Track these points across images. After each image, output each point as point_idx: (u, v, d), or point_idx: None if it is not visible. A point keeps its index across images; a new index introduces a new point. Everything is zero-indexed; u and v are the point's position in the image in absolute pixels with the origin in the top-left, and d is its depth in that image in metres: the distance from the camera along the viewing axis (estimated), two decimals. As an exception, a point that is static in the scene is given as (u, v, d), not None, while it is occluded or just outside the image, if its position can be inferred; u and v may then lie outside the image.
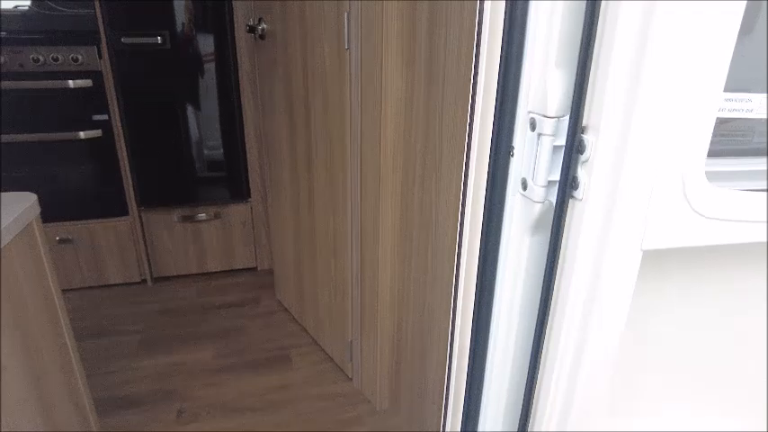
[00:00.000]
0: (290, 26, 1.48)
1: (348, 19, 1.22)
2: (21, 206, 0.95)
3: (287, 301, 2.03)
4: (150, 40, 1.87)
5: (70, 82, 1.85)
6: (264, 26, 1.62)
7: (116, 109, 1.94)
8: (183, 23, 1.90)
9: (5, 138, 1.88)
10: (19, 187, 2.01)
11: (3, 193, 1.01)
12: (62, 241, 2.07)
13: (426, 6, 0.99)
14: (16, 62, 1.82)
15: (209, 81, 1.99)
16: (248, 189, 2.18)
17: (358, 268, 1.45)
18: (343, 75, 1.29)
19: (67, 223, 2.06)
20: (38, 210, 1.01)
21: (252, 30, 1.62)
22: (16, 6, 2.26)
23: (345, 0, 1.21)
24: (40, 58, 1.82)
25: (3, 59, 1.80)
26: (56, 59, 1.83)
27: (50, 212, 2.03)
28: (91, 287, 2.17)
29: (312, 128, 1.50)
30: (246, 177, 2.16)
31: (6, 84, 1.82)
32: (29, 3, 2.22)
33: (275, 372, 1.71)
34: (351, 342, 1.58)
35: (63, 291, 2.11)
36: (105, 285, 2.18)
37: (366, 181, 1.32)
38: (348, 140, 1.34)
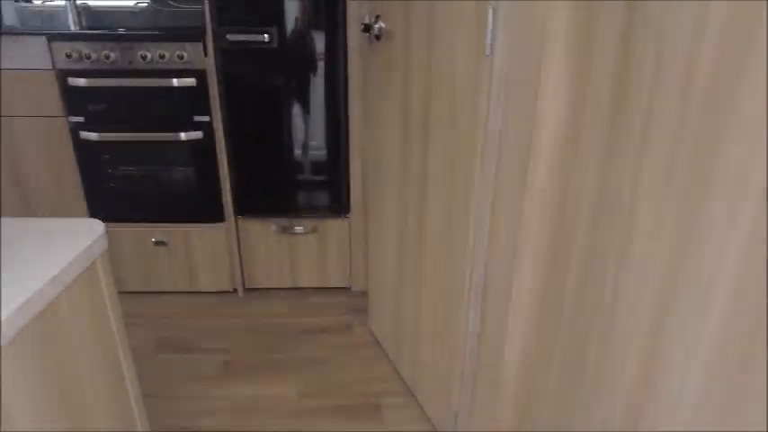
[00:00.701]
0: (412, 25, 1.22)
1: (493, 16, 0.93)
2: (84, 240, 0.78)
3: (380, 332, 1.79)
4: (257, 37, 1.71)
5: (175, 80, 1.75)
6: (382, 25, 1.37)
7: (218, 110, 1.81)
8: (292, 21, 1.71)
9: (110, 135, 1.83)
10: (120, 188, 1.99)
11: (67, 219, 0.86)
12: (157, 243, 2.00)
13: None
14: (126, 59, 1.74)
15: (315, 84, 1.80)
16: (348, 204, 1.98)
17: (476, 328, 1.16)
18: (479, 89, 1.00)
19: (163, 225, 1.99)
20: (105, 244, 0.84)
21: (367, 29, 1.38)
22: (137, 3, 2.24)
23: (492, -8, 0.92)
24: (148, 55, 1.73)
25: (115, 56, 1.73)
26: (162, 57, 1.73)
27: (148, 213, 1.97)
28: (181, 292, 2.10)
29: (430, 149, 1.23)
30: (348, 191, 1.95)
31: (116, 81, 1.76)
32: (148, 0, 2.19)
33: (363, 423, 1.48)
34: (456, 413, 1.30)
35: (153, 293, 2.08)
36: (196, 292, 2.10)
37: (498, 229, 1.02)
38: (477, 172, 1.05)
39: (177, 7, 2.19)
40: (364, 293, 2.09)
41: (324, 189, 1.98)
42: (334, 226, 2.01)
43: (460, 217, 1.14)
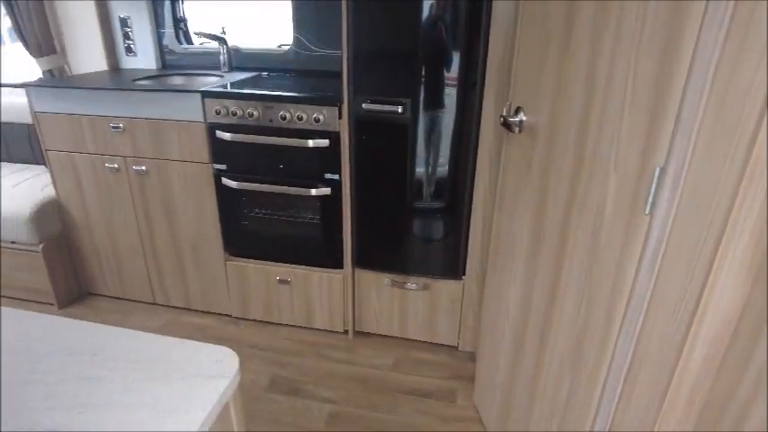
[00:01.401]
0: (560, 130, 1.13)
1: (659, 177, 0.82)
2: (220, 383, 0.83)
3: (485, 413, 1.74)
4: (391, 108, 1.71)
5: (310, 141, 1.81)
6: (523, 118, 1.29)
7: (347, 170, 1.85)
8: (427, 97, 1.69)
9: (247, 185, 1.96)
10: (253, 228, 2.13)
11: (200, 346, 0.91)
12: (281, 281, 2.13)
13: None
14: (268, 117, 1.85)
15: (442, 155, 1.76)
16: (464, 267, 1.93)
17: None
18: (629, 245, 0.90)
19: (288, 266, 2.11)
20: (238, 380, 0.88)
21: (506, 123, 1.31)
22: (280, 46, 2.36)
23: (659, 151, 0.80)
24: (287, 115, 1.82)
25: (258, 114, 1.84)
26: (300, 118, 1.80)
27: (276, 254, 2.10)
28: (298, 327, 2.22)
29: (564, 270, 1.14)
30: (465, 256, 1.91)
31: (256, 138, 1.87)
32: (290, 43, 2.29)
33: None
34: None
35: (273, 324, 2.23)
36: (311, 328, 2.21)
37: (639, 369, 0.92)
38: (614, 338, 0.95)
39: (317, 51, 2.27)
40: (471, 356, 2.05)
41: (440, 251, 1.95)
42: (448, 286, 1.98)
43: (593, 352, 1.05)
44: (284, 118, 1.82)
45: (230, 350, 0.90)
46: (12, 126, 2.68)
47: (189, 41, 2.55)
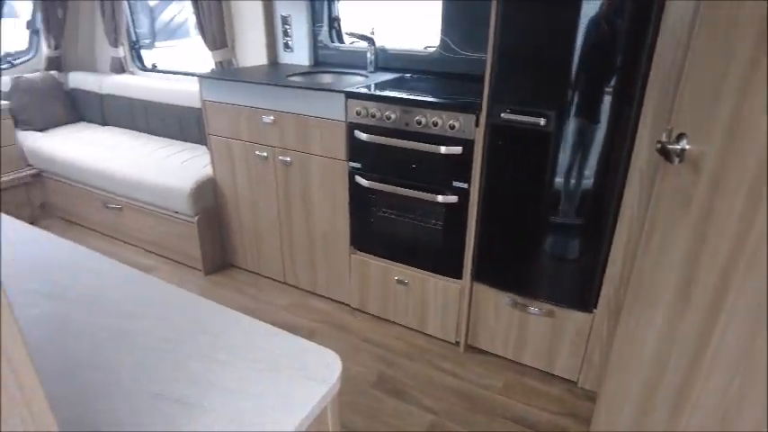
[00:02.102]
0: (734, 168, 0.95)
1: None
2: (320, 388, 0.85)
3: (600, 461, 1.57)
4: (532, 120, 1.60)
5: (443, 148, 1.78)
6: (686, 147, 1.11)
7: (477, 179, 1.79)
8: (575, 112, 1.55)
9: (378, 185, 2.00)
10: (379, 226, 2.17)
11: (306, 346, 0.94)
12: (399, 282, 2.15)
13: None
14: (404, 121, 1.85)
15: (586, 172, 1.61)
16: (597, 298, 1.75)
17: None
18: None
19: (408, 268, 2.11)
20: (338, 385, 0.89)
21: (663, 150, 1.14)
22: (426, 47, 2.35)
23: None
24: (423, 120, 1.81)
25: (395, 117, 1.86)
26: (435, 124, 1.78)
27: (397, 254, 2.11)
28: (411, 329, 2.23)
29: (716, 334, 0.97)
30: (600, 286, 1.73)
31: (391, 140, 1.89)
32: (436, 45, 2.27)
33: None
34: None
35: (387, 321, 2.26)
36: (423, 333, 2.20)
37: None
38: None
39: (462, 54, 2.22)
40: (591, 395, 1.86)
41: (572, 275, 1.80)
42: (575, 317, 1.82)
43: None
44: (420, 122, 1.81)
45: (336, 355, 0.92)
46: (187, 110, 3.07)
47: (340, 40, 2.67)
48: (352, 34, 2.50)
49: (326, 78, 2.53)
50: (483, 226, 1.86)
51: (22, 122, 3.36)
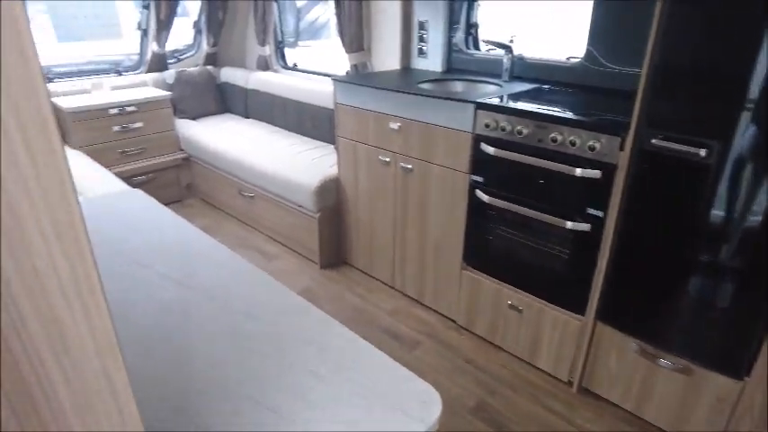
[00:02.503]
0: None
1: None
2: (417, 429, 0.79)
3: None
4: (691, 150, 1.38)
5: (578, 170, 1.62)
6: None
7: (615, 209, 1.60)
8: (749, 139, 1.30)
9: (499, 202, 1.89)
10: (495, 244, 2.07)
11: (407, 372, 0.88)
12: (512, 307, 2.02)
13: None
14: (536, 137, 1.72)
15: (755, 207, 1.35)
16: (751, 364, 1.48)
17: None
18: None
19: (523, 293, 1.98)
20: (435, 429, 0.83)
21: None
22: (569, 58, 2.18)
23: None
24: (559, 138, 1.66)
25: (527, 132, 1.74)
26: (573, 143, 1.63)
27: (513, 276, 1.99)
28: (518, 358, 2.08)
29: None
30: (757, 350, 1.45)
31: (520, 157, 1.77)
32: (581, 56, 2.09)
33: None
34: None
35: (494, 345, 2.13)
36: (532, 365, 2.04)
37: None
38: None
39: (610, 68, 2.02)
40: (731, 475, 1.58)
41: (720, 329, 1.53)
42: (717, 381, 1.55)
43: None
44: (555, 140, 1.67)
45: (437, 394, 0.85)
46: (321, 109, 3.20)
47: (476, 47, 2.59)
48: (489, 42, 2.41)
49: (458, 86, 2.46)
50: (616, 260, 1.67)
51: (179, 111, 3.77)
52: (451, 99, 1.96)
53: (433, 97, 2.02)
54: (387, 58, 2.85)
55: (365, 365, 0.89)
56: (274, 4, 3.65)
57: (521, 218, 1.86)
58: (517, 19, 2.73)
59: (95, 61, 3.88)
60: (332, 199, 2.66)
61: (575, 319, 1.84)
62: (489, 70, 2.45)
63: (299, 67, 3.78)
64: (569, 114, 1.70)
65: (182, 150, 3.60)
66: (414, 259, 2.37)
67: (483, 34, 2.58)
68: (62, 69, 3.54)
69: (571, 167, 1.64)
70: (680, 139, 1.40)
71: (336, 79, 2.44)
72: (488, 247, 2.03)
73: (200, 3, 3.82)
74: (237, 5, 3.94)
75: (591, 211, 1.66)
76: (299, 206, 2.74)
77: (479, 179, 1.95)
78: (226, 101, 4.03)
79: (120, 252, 1.23)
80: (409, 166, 2.20)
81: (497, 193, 1.90)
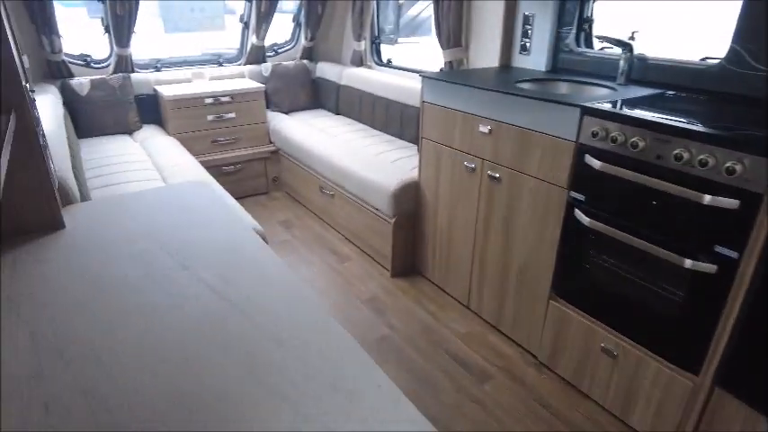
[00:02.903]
0: None
1: None
2: None
3: None
4: None
5: (707, 197, 1.30)
6: None
7: (755, 252, 1.26)
8: None
9: (603, 227, 1.59)
10: (592, 274, 1.78)
11: None
12: (605, 350, 1.71)
13: None
14: (655, 152, 1.41)
15: None
16: None
17: None
18: None
19: (620, 336, 1.66)
20: None
21: None
22: (704, 58, 1.81)
23: None
24: (685, 155, 1.34)
25: (643, 146, 1.43)
26: (704, 164, 1.30)
27: (609, 315, 1.69)
28: (607, 410, 1.76)
29: None
30: None
31: (633, 174, 1.47)
32: (722, 57, 1.72)
33: None
34: None
35: (580, 393, 1.83)
36: (623, 422, 1.72)
37: None
38: None
39: (762, 71, 1.62)
40: None
41: None
42: None
43: None
44: (679, 158, 1.35)
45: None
46: (409, 108, 3.04)
47: (588, 44, 2.26)
48: (604, 38, 2.08)
49: (562, 88, 2.16)
50: (751, 314, 1.31)
51: (273, 104, 3.79)
52: (553, 101, 1.69)
53: (531, 98, 1.76)
54: (486, 54, 2.61)
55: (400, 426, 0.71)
56: (372, 1, 3.54)
57: (627, 248, 1.55)
58: (638, 15, 2.36)
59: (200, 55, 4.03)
60: (409, 204, 2.49)
61: (684, 378, 1.49)
62: (602, 72, 2.12)
63: (393, 63, 3.64)
64: (701, 127, 1.37)
65: (271, 143, 3.62)
66: (494, 280, 2.12)
67: (597, 31, 2.26)
68: (169, 60, 3.71)
69: (699, 193, 1.31)
70: None
71: (424, 75, 2.25)
72: (584, 278, 1.74)
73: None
74: (336, 2, 3.89)
75: (720, 249, 1.32)
76: (376, 209, 2.59)
77: (580, 197, 1.67)
78: (319, 96, 4.00)
79: (167, 247, 1.14)
80: (497, 175, 1.95)
81: (601, 215, 1.60)
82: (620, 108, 1.57)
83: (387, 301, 2.42)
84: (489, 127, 1.94)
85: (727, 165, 1.25)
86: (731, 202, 1.26)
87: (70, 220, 1.25)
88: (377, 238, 2.65)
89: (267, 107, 3.69)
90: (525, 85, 2.08)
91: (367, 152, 2.92)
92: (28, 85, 1.20)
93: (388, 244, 2.56)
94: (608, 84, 1.99)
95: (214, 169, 3.38)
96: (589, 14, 2.25)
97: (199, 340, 0.86)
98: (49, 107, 2.48)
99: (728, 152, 1.26)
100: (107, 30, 3.18)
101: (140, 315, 0.92)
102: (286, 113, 3.82)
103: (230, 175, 3.48)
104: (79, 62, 3.27)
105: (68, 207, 1.34)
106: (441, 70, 2.81)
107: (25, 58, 2.61)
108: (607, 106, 1.58)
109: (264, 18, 3.63)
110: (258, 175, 3.63)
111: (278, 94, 3.80)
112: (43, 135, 1.28)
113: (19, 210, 1.16)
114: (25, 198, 1.16)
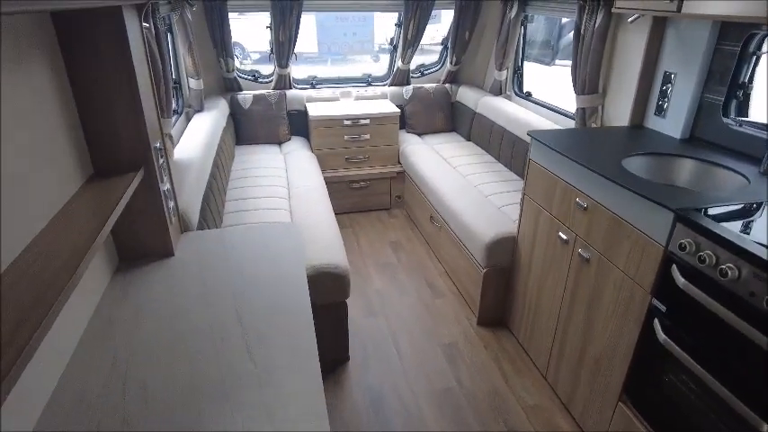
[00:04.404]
0: None
1: None
2: None
3: None
4: None
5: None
6: None
7: None
8: None
9: (677, 350, 1.40)
10: (667, 394, 1.54)
11: None
12: (670, 481, 1.51)
13: None
14: (749, 287, 1.19)
15: None
16: None
17: None
18: None
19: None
20: None
21: None
22: None
23: None
24: (779, 303, 1.11)
25: (737, 275, 1.22)
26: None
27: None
28: None
29: None
30: None
31: (715, 306, 1.26)
32: None
33: None
34: None
35: None
36: None
37: None
38: None
39: None
40: None
41: None
42: None
43: None
44: (773, 302, 1.13)
45: None
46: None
47: (740, 113, 1.93)
48: (747, 122, 1.76)
49: (684, 168, 1.89)
50: None
51: (408, 126, 3.94)
52: (640, 194, 1.51)
53: (623, 186, 1.58)
54: (620, 106, 2.39)
55: None
56: (519, 29, 3.43)
57: (703, 381, 1.34)
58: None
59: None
60: (503, 258, 2.42)
61: None
62: (747, 149, 1.81)
63: (532, 97, 3.50)
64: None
65: (399, 164, 3.78)
66: (571, 358, 1.98)
67: (757, 98, 1.91)
68: (323, 78, 4.08)
69: (787, 353, 1.09)
70: None
71: (531, 134, 2.16)
72: (659, 391, 1.54)
73: (450, 22, 3.87)
74: (485, 30, 3.84)
75: (808, 425, 1.08)
76: (471, 254, 2.58)
77: (662, 307, 1.48)
78: (455, 120, 4.03)
79: (220, 295, 1.34)
80: (587, 256, 1.81)
81: (680, 336, 1.41)
82: (719, 222, 1.34)
83: (464, 350, 2.41)
84: (586, 204, 1.80)
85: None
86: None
87: (180, 248, 1.57)
88: (470, 282, 2.64)
89: (402, 128, 3.85)
90: (638, 160, 1.87)
91: (478, 192, 2.89)
92: (161, 138, 1.50)
93: (476, 293, 2.54)
94: (744, 172, 1.69)
95: (344, 184, 3.67)
96: (747, 78, 1.91)
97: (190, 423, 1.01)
98: (209, 122, 2.95)
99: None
100: (272, 51, 3.63)
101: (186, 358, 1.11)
102: (419, 135, 3.93)
103: (358, 191, 3.73)
104: (248, 77, 3.80)
105: (183, 235, 1.66)
106: (575, 114, 2.64)
107: (193, 81, 3.12)
108: (702, 213, 1.36)
109: (410, 44, 3.77)
110: (383, 192, 3.82)
111: (414, 117, 3.93)
112: (170, 184, 1.58)
113: (141, 241, 1.49)
114: (146, 231, 1.48)
